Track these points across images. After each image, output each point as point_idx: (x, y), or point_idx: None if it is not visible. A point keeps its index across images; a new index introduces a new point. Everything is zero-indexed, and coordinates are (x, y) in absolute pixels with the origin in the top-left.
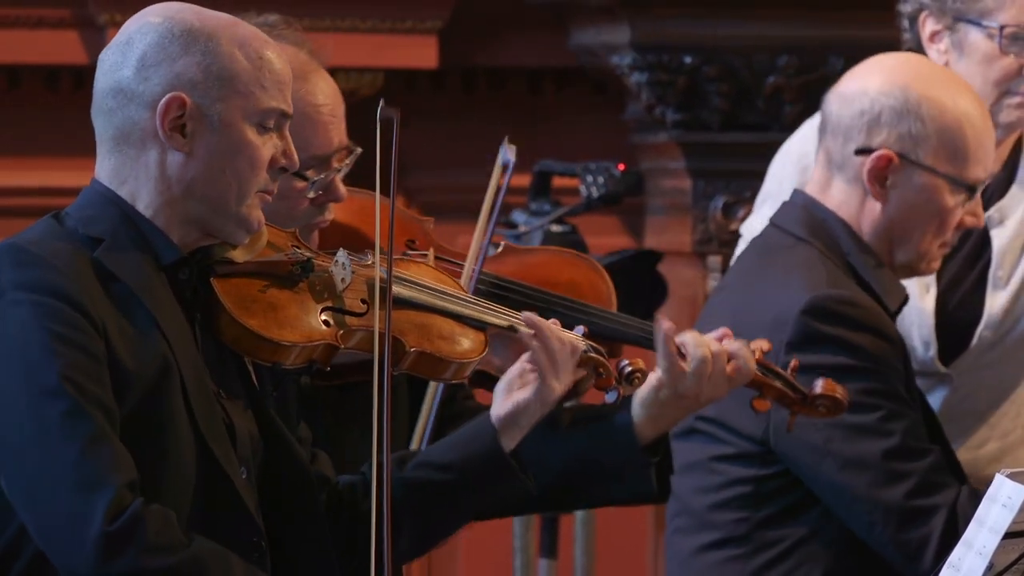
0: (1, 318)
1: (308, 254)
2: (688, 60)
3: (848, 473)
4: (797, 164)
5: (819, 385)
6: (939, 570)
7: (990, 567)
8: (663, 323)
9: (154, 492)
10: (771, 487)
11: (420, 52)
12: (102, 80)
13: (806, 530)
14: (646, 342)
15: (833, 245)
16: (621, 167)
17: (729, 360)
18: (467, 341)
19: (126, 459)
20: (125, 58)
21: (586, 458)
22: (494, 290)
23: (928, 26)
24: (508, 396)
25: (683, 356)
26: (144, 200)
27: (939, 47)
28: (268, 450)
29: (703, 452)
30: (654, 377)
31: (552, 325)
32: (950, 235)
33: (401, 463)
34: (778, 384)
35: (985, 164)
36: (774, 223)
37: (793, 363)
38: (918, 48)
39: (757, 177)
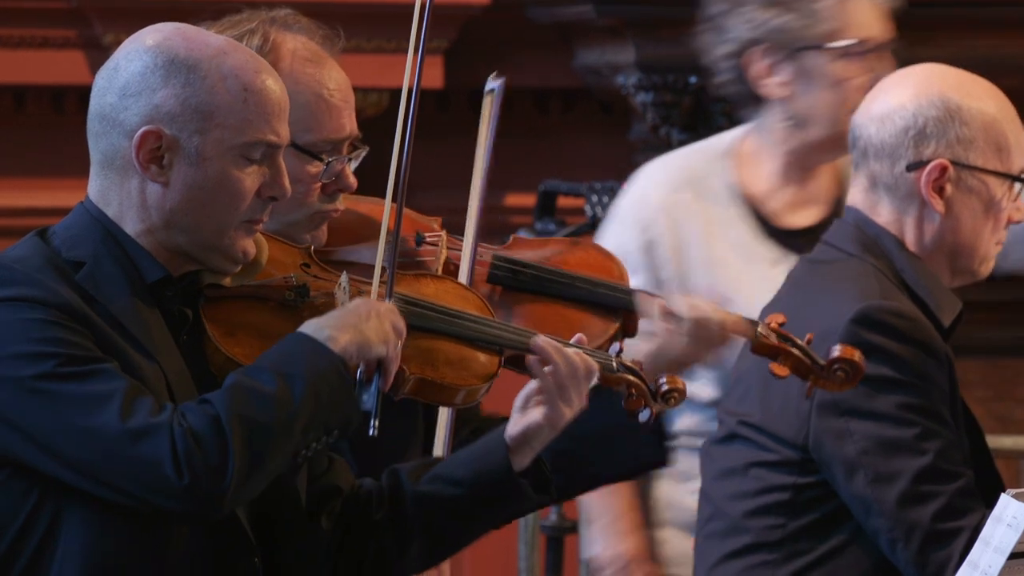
0: None
1: (309, 277)
2: (693, 80)
3: (878, 488)
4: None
5: (836, 350)
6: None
7: None
8: (653, 297)
9: None
10: (809, 496)
11: (426, 72)
12: (93, 102)
13: (839, 542)
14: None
15: (886, 260)
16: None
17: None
18: (478, 365)
19: (143, 390)
20: (111, 84)
21: (580, 436)
22: (509, 266)
23: (761, 60)
24: (521, 416)
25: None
26: (129, 225)
27: (779, 79)
28: None
29: (743, 458)
30: (644, 346)
31: (563, 348)
32: (1003, 232)
33: (416, 475)
34: (794, 351)
35: (1022, 152)
36: (826, 241)
37: (808, 336)
38: (741, 86)
39: None
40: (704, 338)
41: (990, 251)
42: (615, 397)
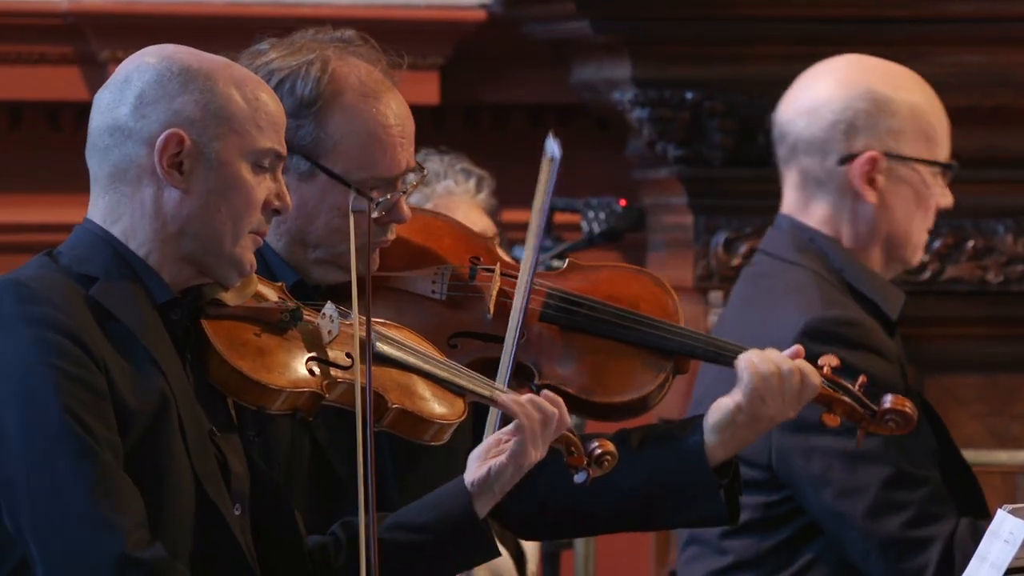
0: (3, 352)
1: (295, 304)
2: (690, 96)
3: (845, 501)
4: None
5: (888, 400)
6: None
7: None
8: (748, 352)
9: (156, 529)
10: (780, 511)
11: (422, 88)
12: (98, 119)
13: (815, 554)
14: (715, 356)
15: (825, 263)
16: (623, 203)
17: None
18: (447, 404)
19: (135, 497)
20: (123, 96)
21: (655, 480)
22: (563, 305)
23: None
24: (483, 463)
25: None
26: (138, 239)
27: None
28: (253, 488)
29: None
30: (731, 401)
31: (535, 399)
32: (931, 220)
33: (376, 523)
34: (847, 399)
35: (947, 141)
36: (763, 250)
37: (861, 379)
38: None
39: (759, 213)
40: (793, 392)
41: (922, 239)
42: (697, 456)
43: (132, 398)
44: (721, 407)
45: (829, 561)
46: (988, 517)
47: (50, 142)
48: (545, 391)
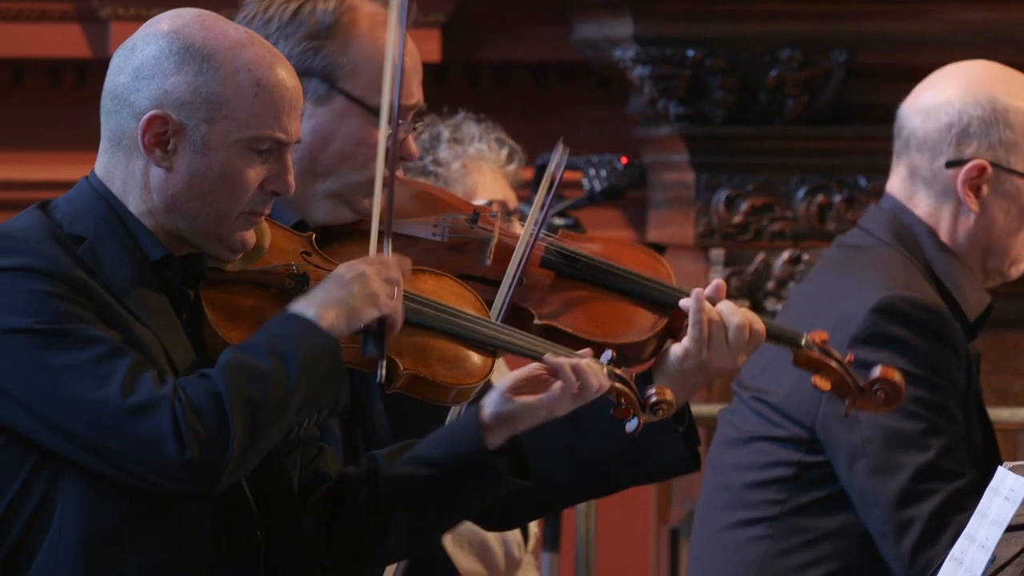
0: None
1: (310, 266)
2: (691, 54)
3: (877, 479)
4: None
5: (877, 371)
6: (941, 563)
7: (992, 560)
8: (697, 290)
9: None
10: (812, 476)
11: (423, 46)
12: (108, 79)
13: (837, 524)
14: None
15: (917, 251)
16: (624, 161)
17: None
18: (471, 364)
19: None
20: (126, 63)
21: (609, 435)
22: (563, 253)
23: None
24: (513, 395)
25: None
26: (132, 204)
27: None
28: None
29: (752, 430)
30: (679, 347)
31: (574, 360)
32: None
33: (393, 457)
34: (835, 366)
35: None
36: (860, 225)
37: (848, 356)
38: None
39: (760, 170)
40: (742, 344)
41: (1022, 254)
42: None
43: (129, 341)
44: (669, 353)
45: (851, 535)
46: None
47: (51, 99)
48: (588, 360)
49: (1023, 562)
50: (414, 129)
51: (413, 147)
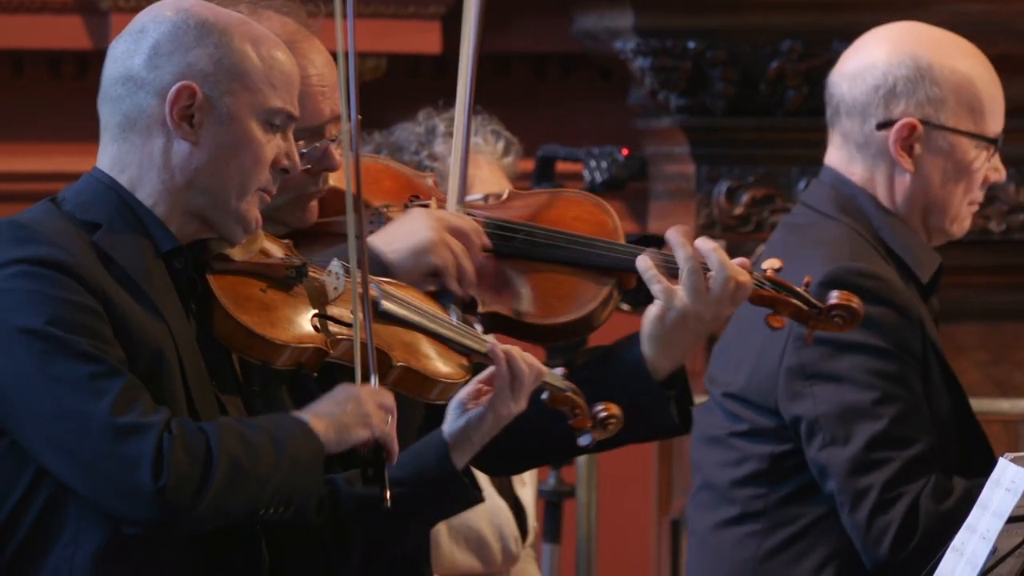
0: (4, 292)
1: (302, 261)
2: (692, 45)
3: (831, 450)
4: None
5: (834, 296)
6: (941, 556)
7: (994, 551)
8: (650, 251)
9: None
10: (787, 466)
11: (424, 38)
12: (111, 68)
13: (823, 509)
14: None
15: (863, 219)
16: (625, 152)
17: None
18: (452, 364)
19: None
20: (138, 46)
21: (601, 398)
22: (500, 232)
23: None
24: (462, 413)
25: (674, 275)
26: (145, 189)
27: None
28: None
29: (723, 427)
30: (654, 307)
31: (517, 350)
32: (978, 192)
33: (351, 479)
34: (792, 299)
35: (1000, 116)
36: (804, 201)
37: (806, 279)
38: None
39: (761, 162)
40: (704, 290)
41: (962, 211)
42: (639, 369)
43: (134, 332)
44: (648, 314)
45: (838, 519)
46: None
47: (51, 91)
48: (507, 347)
49: None
50: (332, 140)
51: (336, 159)
